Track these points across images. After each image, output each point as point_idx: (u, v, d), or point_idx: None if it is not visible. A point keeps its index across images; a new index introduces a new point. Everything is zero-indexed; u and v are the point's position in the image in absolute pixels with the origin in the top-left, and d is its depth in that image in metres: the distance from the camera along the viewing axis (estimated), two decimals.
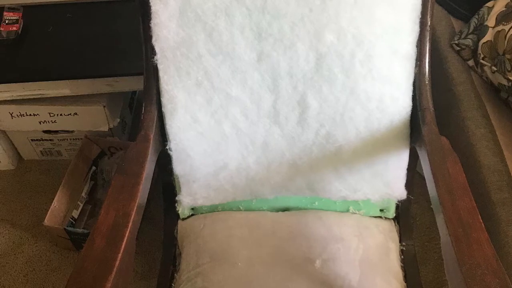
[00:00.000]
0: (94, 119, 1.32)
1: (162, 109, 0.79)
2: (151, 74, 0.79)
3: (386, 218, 0.92)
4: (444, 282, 1.18)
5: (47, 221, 1.19)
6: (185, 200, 0.87)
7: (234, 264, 0.81)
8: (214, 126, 0.80)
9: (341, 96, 0.77)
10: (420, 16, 0.76)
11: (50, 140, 1.42)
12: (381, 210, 0.91)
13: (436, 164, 0.67)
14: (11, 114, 1.30)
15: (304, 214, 0.90)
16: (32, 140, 1.42)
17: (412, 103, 0.79)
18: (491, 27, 1.07)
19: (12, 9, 1.26)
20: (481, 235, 0.58)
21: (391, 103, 0.78)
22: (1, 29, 1.22)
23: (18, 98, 1.24)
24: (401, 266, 0.86)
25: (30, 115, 1.30)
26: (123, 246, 0.58)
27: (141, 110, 0.79)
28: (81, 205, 1.31)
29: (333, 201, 0.90)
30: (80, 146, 1.35)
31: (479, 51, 1.09)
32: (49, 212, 1.20)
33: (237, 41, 0.75)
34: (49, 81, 1.19)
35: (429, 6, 0.76)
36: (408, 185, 0.86)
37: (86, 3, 1.34)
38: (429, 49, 0.78)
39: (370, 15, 0.74)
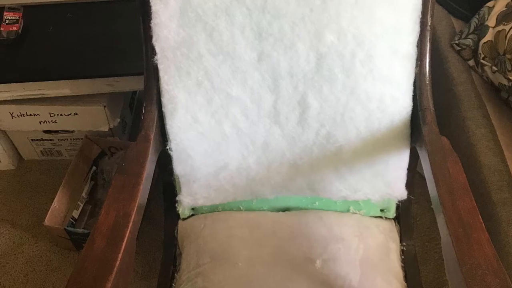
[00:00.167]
0: (95, 119, 1.32)
1: (163, 109, 0.79)
2: (152, 74, 0.79)
3: (386, 218, 0.92)
4: (444, 282, 1.18)
5: (47, 221, 1.19)
6: (186, 200, 0.87)
7: (235, 264, 0.81)
8: (214, 126, 0.80)
9: (342, 96, 0.77)
10: (420, 16, 0.76)
11: (51, 140, 1.42)
12: (382, 210, 0.91)
13: (436, 164, 0.67)
14: (11, 114, 1.30)
15: (304, 214, 0.90)
16: (32, 140, 1.42)
17: (413, 103, 0.79)
18: (491, 27, 1.07)
19: (12, 9, 1.26)
20: (481, 235, 0.58)
21: (392, 103, 0.78)
22: (1, 29, 1.22)
23: (18, 98, 1.24)
24: (402, 266, 0.86)
25: (31, 115, 1.30)
26: (123, 246, 0.58)
27: (141, 110, 0.79)
28: (82, 205, 1.31)
29: (333, 201, 0.90)
30: (81, 146, 1.35)
31: (480, 51, 1.09)
32: (49, 212, 1.20)
33: (238, 41, 0.75)
34: (50, 81, 1.19)
35: (429, 6, 0.76)
36: (409, 185, 0.86)
37: (86, 3, 1.34)
38: (429, 49, 0.78)
39: (370, 15, 0.74)
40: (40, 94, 1.22)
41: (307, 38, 0.75)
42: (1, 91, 1.22)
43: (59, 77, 1.19)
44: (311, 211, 0.91)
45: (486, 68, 1.08)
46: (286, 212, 0.92)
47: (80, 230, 1.23)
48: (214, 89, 0.78)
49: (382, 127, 0.79)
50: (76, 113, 1.30)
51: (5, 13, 1.24)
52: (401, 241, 0.90)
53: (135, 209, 0.62)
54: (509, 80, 1.01)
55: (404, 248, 0.90)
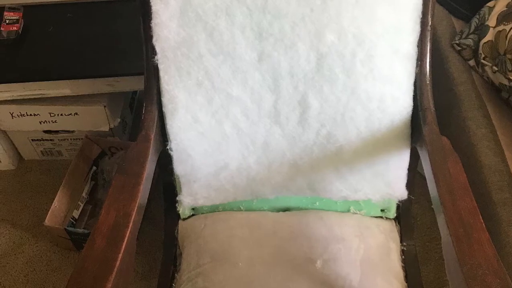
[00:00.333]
0: (95, 119, 1.32)
1: (163, 109, 0.79)
2: (152, 74, 0.79)
3: (387, 218, 0.92)
4: (445, 282, 1.18)
5: (47, 221, 1.19)
6: (186, 200, 0.87)
7: (235, 264, 0.81)
8: (214, 126, 0.80)
9: (342, 96, 0.77)
10: (421, 16, 0.76)
11: (51, 140, 1.42)
12: (382, 210, 0.91)
13: (437, 164, 0.67)
14: (11, 114, 1.30)
15: (305, 214, 0.90)
16: (32, 140, 1.42)
17: (413, 103, 0.79)
18: (492, 27, 1.07)
19: (12, 9, 1.26)
20: (482, 235, 0.58)
21: (392, 103, 0.78)
22: (2, 29, 1.22)
23: (18, 98, 1.24)
24: (402, 266, 0.86)
25: (31, 115, 1.30)
26: (123, 246, 0.58)
27: (141, 110, 0.79)
28: (82, 205, 1.31)
29: (334, 201, 0.90)
30: (81, 146, 1.35)
31: (480, 51, 1.09)
32: (49, 212, 1.20)
33: (238, 41, 0.75)
34: (50, 81, 1.19)
35: (430, 6, 0.76)
36: (409, 185, 0.86)
37: (86, 3, 1.34)
38: (430, 49, 0.78)
39: (371, 14, 0.74)
40: (40, 94, 1.22)
41: (307, 38, 0.75)
42: (1, 91, 1.22)
43: (59, 77, 1.19)
44: (312, 211, 0.91)
45: (486, 68, 1.08)
46: (286, 212, 0.92)
47: (80, 230, 1.23)
48: (214, 89, 0.78)
49: (383, 127, 0.79)
50: (76, 113, 1.30)
51: (5, 13, 1.24)
52: (401, 241, 0.90)
53: (136, 209, 0.62)
54: (509, 80, 1.00)
55: (405, 248, 0.90)
